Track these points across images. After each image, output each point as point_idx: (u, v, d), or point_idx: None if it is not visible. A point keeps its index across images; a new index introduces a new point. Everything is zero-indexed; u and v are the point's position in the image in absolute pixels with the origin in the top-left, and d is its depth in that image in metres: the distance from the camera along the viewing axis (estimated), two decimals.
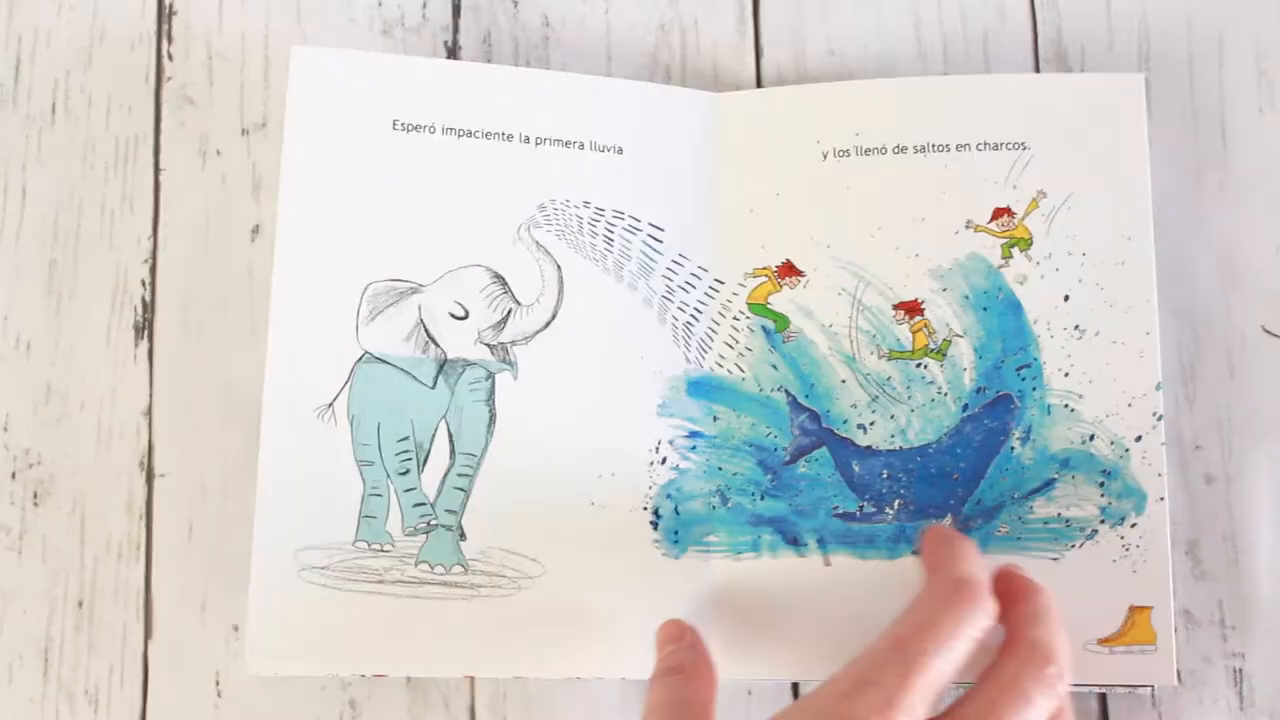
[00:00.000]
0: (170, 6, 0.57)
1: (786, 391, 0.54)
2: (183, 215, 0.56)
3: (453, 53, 0.58)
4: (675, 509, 0.53)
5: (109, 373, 0.54)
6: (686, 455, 0.54)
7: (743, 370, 0.54)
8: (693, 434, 0.54)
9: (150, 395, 0.54)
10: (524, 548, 0.52)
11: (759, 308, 0.55)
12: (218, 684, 0.53)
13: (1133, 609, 0.50)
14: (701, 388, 0.54)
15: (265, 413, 0.52)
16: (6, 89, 0.56)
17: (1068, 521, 0.53)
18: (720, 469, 0.54)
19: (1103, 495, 0.53)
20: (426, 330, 0.53)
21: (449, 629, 0.52)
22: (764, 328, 0.54)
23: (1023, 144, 0.55)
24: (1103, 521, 0.53)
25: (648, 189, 0.55)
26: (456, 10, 0.58)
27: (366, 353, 0.53)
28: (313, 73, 0.54)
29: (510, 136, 0.54)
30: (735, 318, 0.54)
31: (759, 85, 0.58)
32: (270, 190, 0.55)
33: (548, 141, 0.55)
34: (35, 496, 0.53)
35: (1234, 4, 0.58)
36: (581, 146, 0.55)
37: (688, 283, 0.55)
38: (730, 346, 0.54)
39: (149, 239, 0.55)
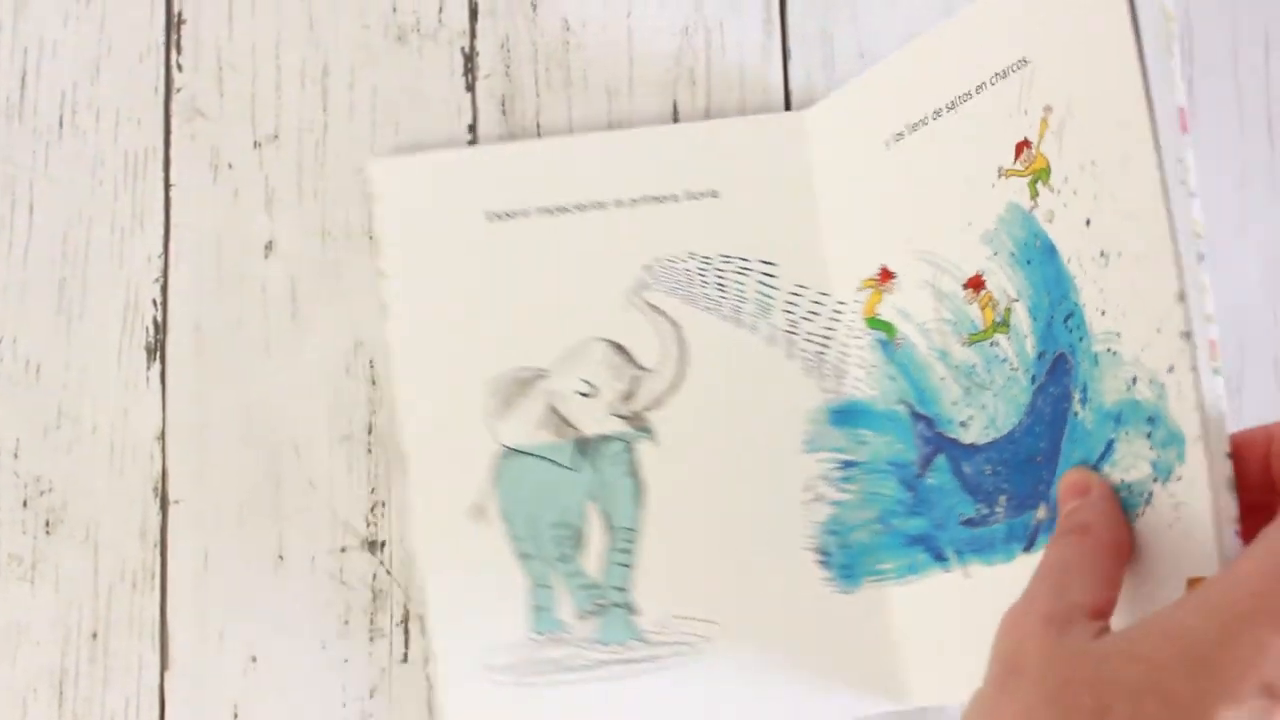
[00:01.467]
0: (179, 15, 0.55)
1: (904, 402, 0.52)
2: (194, 232, 0.54)
3: (470, 59, 0.56)
4: (841, 543, 0.52)
5: (121, 396, 0.53)
6: (842, 487, 0.52)
7: (873, 389, 0.52)
8: (845, 464, 0.52)
9: (163, 419, 0.53)
10: (697, 610, 0.52)
11: (873, 321, 0.53)
12: (236, 716, 0.51)
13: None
14: (844, 415, 0.53)
15: (419, 524, 0.52)
16: (13, 103, 0.54)
17: (1130, 487, 0.44)
18: (876, 494, 0.52)
19: (1150, 447, 0.44)
20: (558, 413, 0.53)
21: (639, 703, 0.51)
22: (879, 340, 0.52)
23: (1023, 59, 0.49)
24: (1155, 480, 0.43)
25: (750, 226, 0.54)
26: (474, 15, 0.56)
27: (505, 447, 0.52)
28: (395, 182, 0.54)
29: (603, 204, 0.54)
30: (858, 336, 0.53)
31: (787, 89, 0.56)
32: (283, 204, 0.54)
33: (642, 200, 0.54)
34: (47, 525, 0.52)
35: None
36: (676, 199, 0.54)
37: (811, 312, 0.53)
38: (860, 367, 0.53)
39: (160, 257, 0.54)
